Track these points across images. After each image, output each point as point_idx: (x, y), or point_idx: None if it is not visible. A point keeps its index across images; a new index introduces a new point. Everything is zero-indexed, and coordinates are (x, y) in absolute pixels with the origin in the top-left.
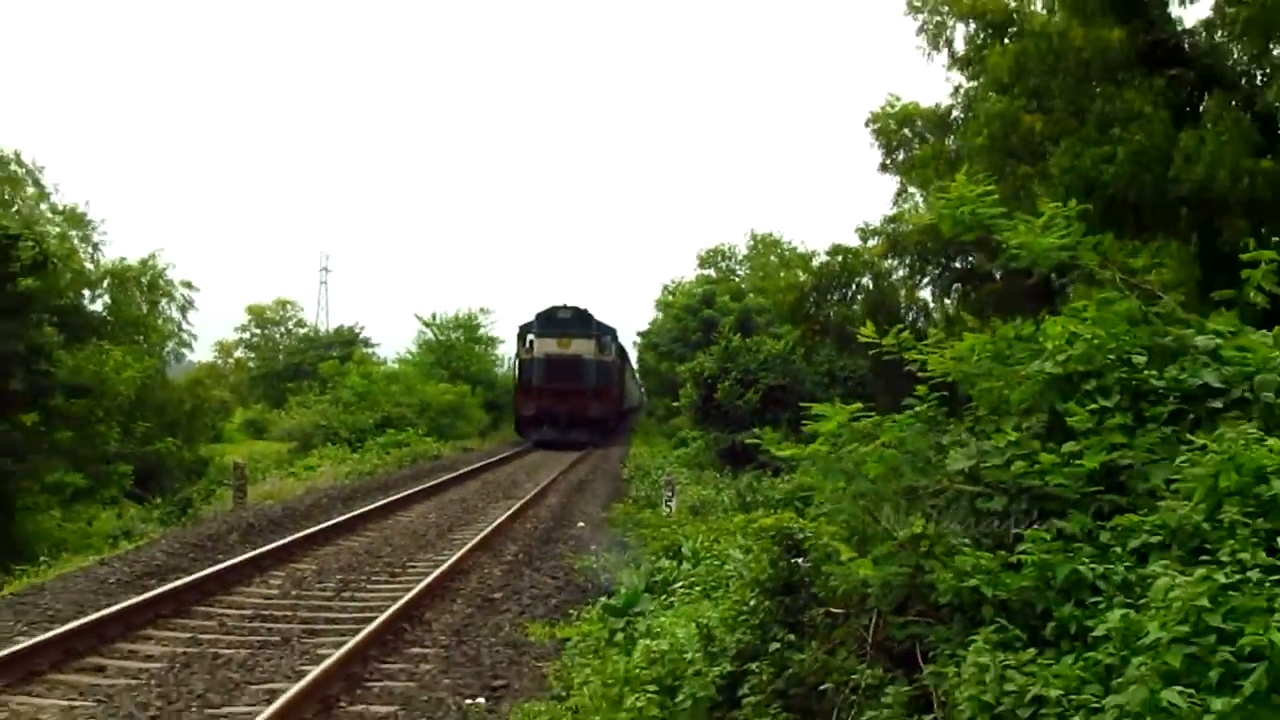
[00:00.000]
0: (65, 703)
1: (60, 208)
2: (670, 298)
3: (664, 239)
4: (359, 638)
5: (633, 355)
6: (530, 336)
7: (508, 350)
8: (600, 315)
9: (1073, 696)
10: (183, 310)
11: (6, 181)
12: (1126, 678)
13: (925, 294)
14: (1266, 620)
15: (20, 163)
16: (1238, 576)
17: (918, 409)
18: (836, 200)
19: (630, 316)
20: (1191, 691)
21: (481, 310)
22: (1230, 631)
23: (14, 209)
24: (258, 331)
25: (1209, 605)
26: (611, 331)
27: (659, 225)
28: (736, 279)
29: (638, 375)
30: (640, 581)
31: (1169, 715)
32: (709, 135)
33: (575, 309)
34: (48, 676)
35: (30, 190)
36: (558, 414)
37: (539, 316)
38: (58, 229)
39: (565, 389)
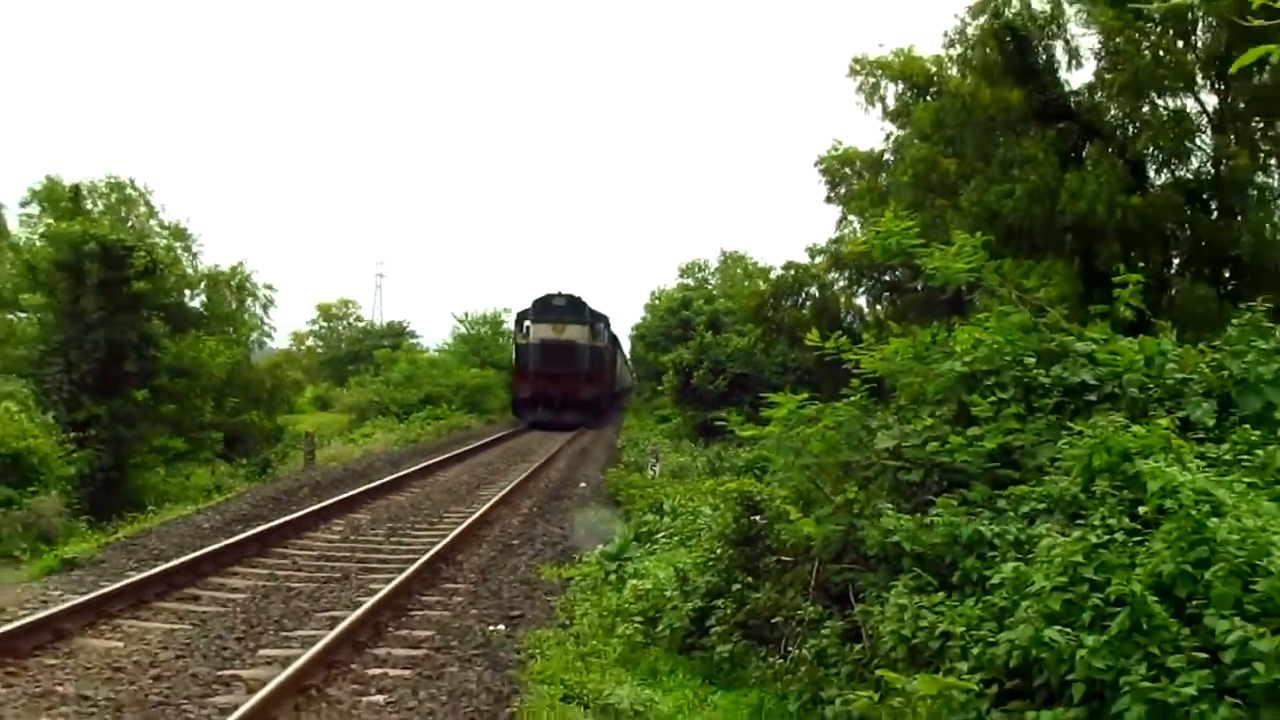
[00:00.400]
0: (168, 626)
1: (166, 223)
2: (656, 301)
3: (653, 252)
4: (404, 575)
5: (626, 345)
6: (527, 322)
7: None
8: (598, 309)
9: (973, 632)
10: (264, 307)
11: (123, 202)
12: (1017, 618)
13: (861, 301)
14: (1129, 574)
15: (134, 187)
16: (1107, 537)
17: (853, 398)
18: (791, 224)
19: (625, 314)
20: (1069, 630)
21: (505, 310)
22: (1100, 582)
23: (129, 224)
24: (325, 324)
25: (1083, 560)
26: (604, 319)
27: (650, 240)
28: (709, 287)
29: (629, 361)
30: (630, 532)
31: (1050, 649)
32: (692, 169)
33: (570, 296)
34: (154, 604)
35: (142, 209)
36: (552, 396)
37: (535, 303)
38: (164, 241)
39: (559, 373)
